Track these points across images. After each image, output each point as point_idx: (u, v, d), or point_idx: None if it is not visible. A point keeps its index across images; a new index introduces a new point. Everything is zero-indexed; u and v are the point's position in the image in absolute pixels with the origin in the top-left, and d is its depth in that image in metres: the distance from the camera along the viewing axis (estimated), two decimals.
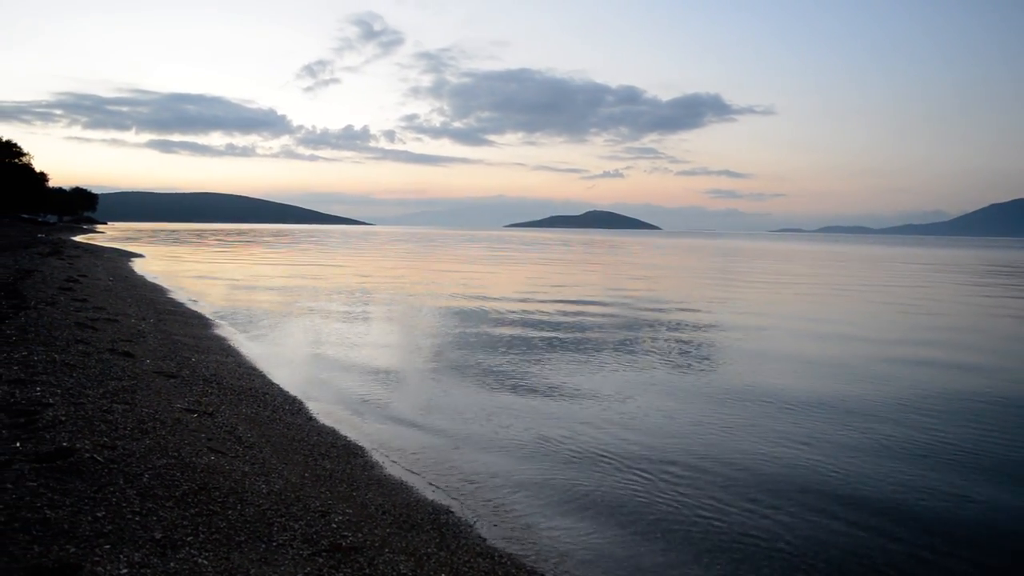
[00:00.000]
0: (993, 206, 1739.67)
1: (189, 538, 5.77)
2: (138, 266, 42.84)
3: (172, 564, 5.28)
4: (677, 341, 19.23)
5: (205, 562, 5.42)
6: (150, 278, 33.99)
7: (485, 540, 7.14)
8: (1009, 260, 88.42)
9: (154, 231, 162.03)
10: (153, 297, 24.92)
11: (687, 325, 22.45)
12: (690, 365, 15.99)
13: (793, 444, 10.41)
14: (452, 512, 7.76)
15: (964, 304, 31.82)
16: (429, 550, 6.60)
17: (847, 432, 11.03)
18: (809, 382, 14.51)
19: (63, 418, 7.98)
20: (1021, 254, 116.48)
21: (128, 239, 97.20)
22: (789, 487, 8.78)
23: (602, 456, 9.79)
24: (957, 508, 8.27)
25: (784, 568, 6.81)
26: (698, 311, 26.37)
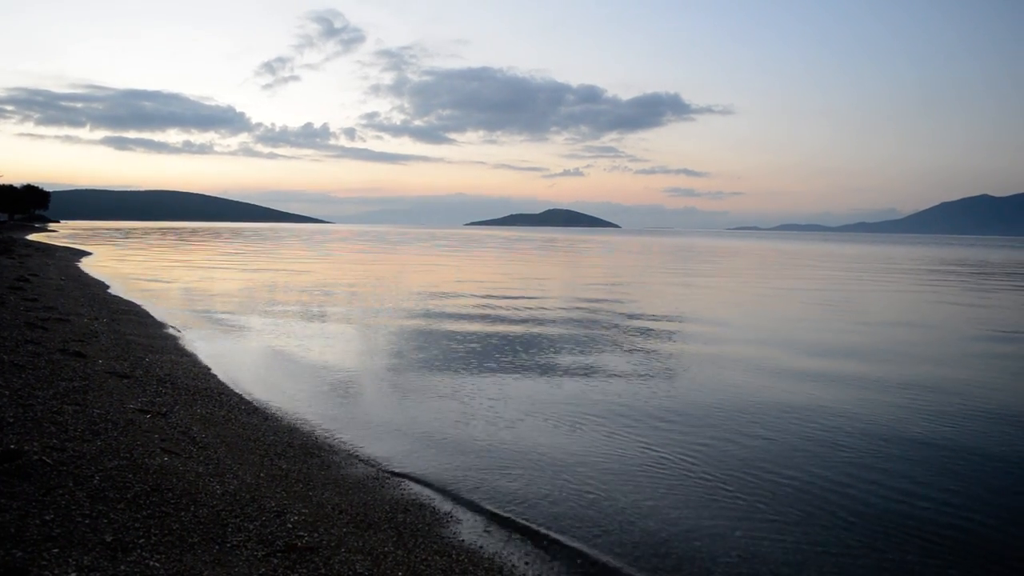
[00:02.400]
0: (943, 204, 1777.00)
1: (140, 540, 5.69)
2: (91, 265, 42.07)
3: (122, 567, 5.20)
4: (629, 339, 19.40)
5: (157, 564, 5.35)
6: (103, 277, 33.39)
7: (443, 538, 7.13)
8: (954, 257, 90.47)
9: (108, 229, 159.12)
10: (106, 296, 24.50)
11: (639, 329, 22.64)
12: (639, 367, 16.13)
13: (734, 441, 10.57)
14: (409, 511, 7.73)
15: (896, 297, 32.52)
16: (386, 549, 6.57)
17: (774, 433, 11.24)
18: (736, 379, 14.74)
19: (11, 420, 7.82)
20: (964, 252, 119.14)
21: (82, 237, 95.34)
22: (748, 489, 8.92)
23: (561, 456, 9.82)
24: (904, 508, 8.45)
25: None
26: (650, 312, 26.59)
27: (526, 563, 6.76)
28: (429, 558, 6.54)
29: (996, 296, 35.57)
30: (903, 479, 9.08)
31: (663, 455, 9.81)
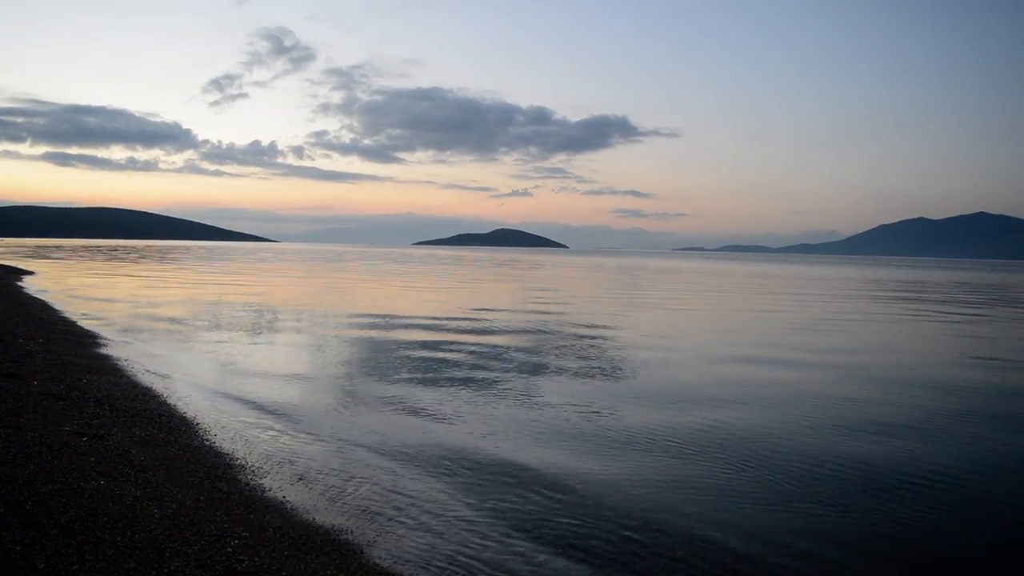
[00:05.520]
0: (882, 227, 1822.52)
1: (74, 567, 5.56)
2: (28, 284, 40.98)
3: None
4: (574, 354, 19.54)
5: None
6: (41, 296, 32.56)
7: (385, 560, 7.08)
8: (889, 277, 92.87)
9: (48, 247, 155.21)
10: (43, 316, 23.88)
11: (585, 344, 22.80)
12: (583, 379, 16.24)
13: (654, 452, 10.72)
14: (352, 532, 7.67)
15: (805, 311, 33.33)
16: (328, 572, 6.51)
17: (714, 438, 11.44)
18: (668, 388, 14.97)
19: None
20: (900, 272, 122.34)
21: (19, 255, 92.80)
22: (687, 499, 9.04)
23: (506, 472, 9.83)
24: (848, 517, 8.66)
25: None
26: (595, 327, 26.80)
27: None
28: None
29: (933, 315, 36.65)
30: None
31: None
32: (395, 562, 7.05)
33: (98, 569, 5.61)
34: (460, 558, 7.28)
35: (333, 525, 7.81)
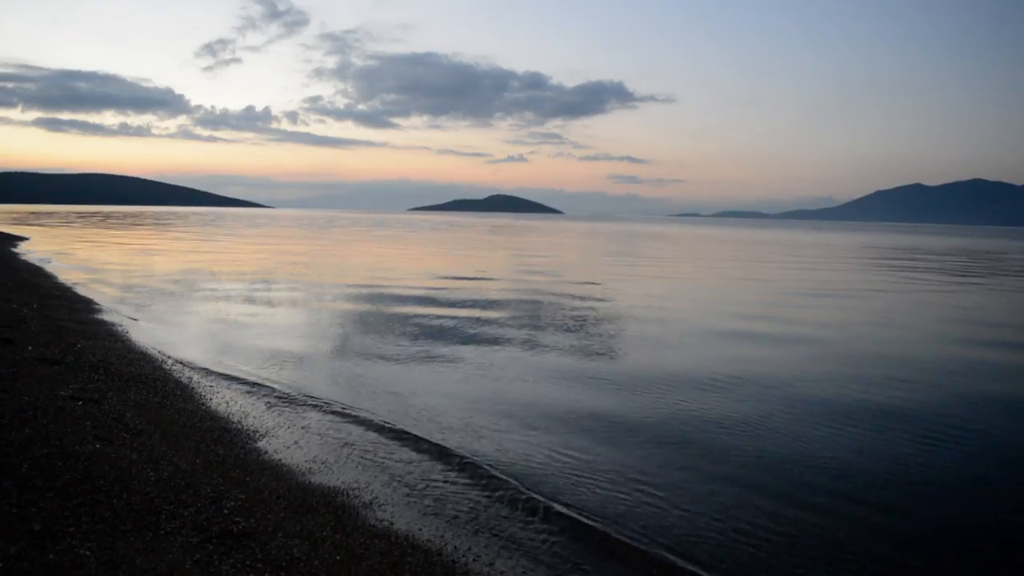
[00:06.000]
0: (878, 192, 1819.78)
1: (71, 529, 5.58)
2: (22, 250, 40.81)
3: (51, 556, 5.09)
4: (567, 318, 19.58)
5: (87, 553, 5.25)
6: (34, 262, 32.43)
7: (382, 521, 7.13)
8: (887, 243, 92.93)
9: (40, 213, 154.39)
10: (37, 282, 23.80)
11: (579, 308, 22.84)
12: (575, 342, 16.29)
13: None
14: (348, 494, 7.72)
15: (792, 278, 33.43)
16: (324, 533, 6.55)
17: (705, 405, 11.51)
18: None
19: None
20: (900, 238, 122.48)
21: (11, 221, 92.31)
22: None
23: (501, 437, 9.88)
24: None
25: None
26: (589, 295, 26.83)
27: (468, 547, 6.81)
28: (368, 541, 6.54)
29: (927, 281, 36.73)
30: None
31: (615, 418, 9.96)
32: (390, 524, 7.09)
33: (95, 531, 5.63)
34: (455, 519, 7.34)
35: (329, 488, 7.85)
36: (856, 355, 16.10)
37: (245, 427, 9.76)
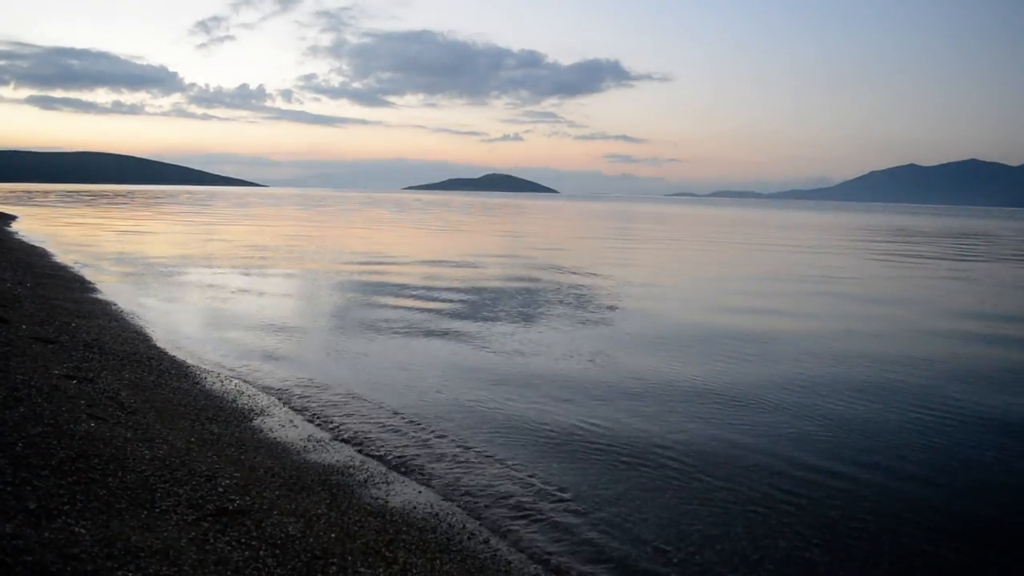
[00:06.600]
0: (873, 173, 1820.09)
1: (66, 507, 5.59)
2: (15, 228, 40.65)
3: (47, 534, 5.10)
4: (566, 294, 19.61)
5: (82, 531, 5.26)
6: (28, 241, 32.32)
7: (376, 499, 7.16)
8: (884, 224, 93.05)
9: (33, 192, 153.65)
10: (31, 261, 23.72)
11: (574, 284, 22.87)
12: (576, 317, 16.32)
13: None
14: (343, 473, 7.74)
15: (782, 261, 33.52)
16: (319, 511, 6.58)
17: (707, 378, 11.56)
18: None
19: None
20: (878, 218, 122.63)
21: (3, 200, 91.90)
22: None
23: (496, 417, 9.91)
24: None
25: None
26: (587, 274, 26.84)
27: (463, 525, 6.84)
28: (362, 519, 6.57)
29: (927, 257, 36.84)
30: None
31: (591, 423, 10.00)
32: (385, 502, 7.12)
33: (90, 509, 5.64)
34: (451, 495, 7.38)
35: (324, 466, 7.88)
36: (857, 338, 16.15)
37: (240, 406, 9.77)
